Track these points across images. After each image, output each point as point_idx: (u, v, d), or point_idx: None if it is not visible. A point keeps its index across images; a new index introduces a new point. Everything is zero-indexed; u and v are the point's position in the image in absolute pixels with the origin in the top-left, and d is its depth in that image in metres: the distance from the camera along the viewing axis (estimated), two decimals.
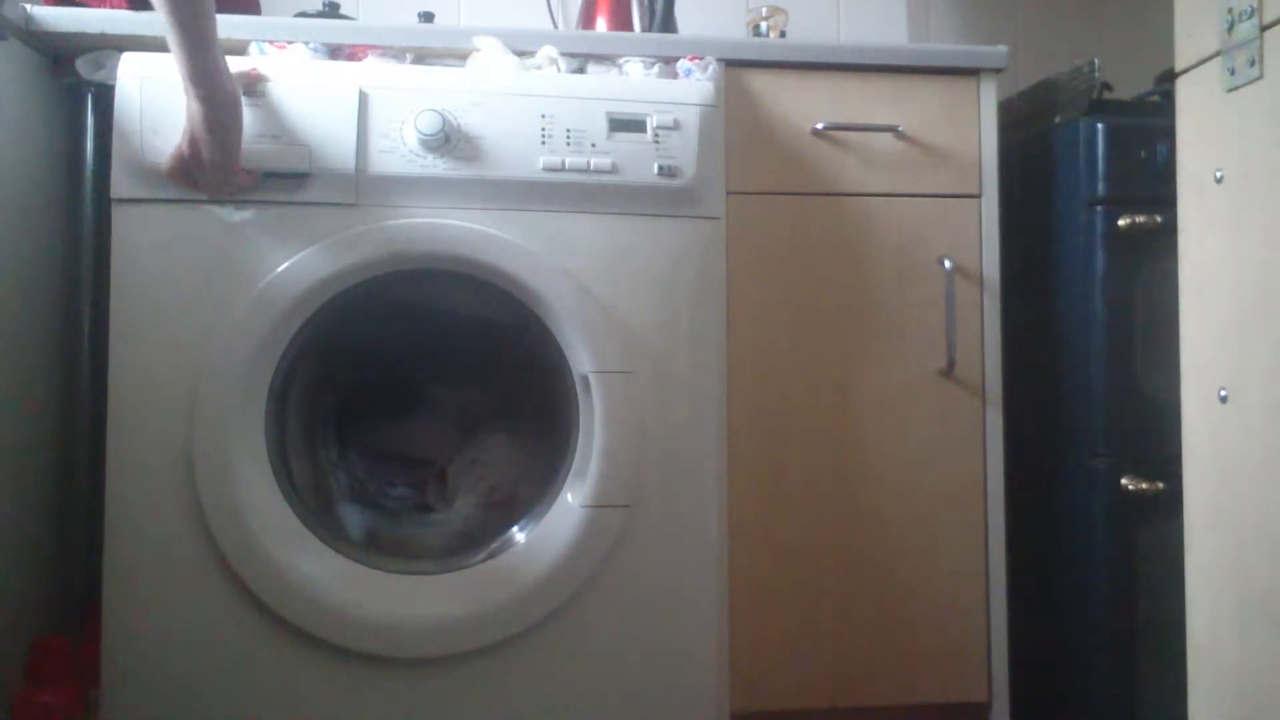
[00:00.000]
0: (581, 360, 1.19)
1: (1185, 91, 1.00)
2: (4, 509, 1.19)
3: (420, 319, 1.30)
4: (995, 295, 1.39)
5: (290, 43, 1.27)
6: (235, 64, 1.13)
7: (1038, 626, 1.44)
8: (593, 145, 1.21)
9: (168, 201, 1.15)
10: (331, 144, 1.16)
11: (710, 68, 1.33)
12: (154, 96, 1.14)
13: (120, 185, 1.14)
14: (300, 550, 1.16)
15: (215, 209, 1.15)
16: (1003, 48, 1.41)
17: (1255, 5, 0.89)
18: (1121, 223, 1.34)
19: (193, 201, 1.15)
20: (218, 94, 1.08)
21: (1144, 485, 1.31)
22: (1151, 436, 1.32)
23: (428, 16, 1.65)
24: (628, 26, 1.63)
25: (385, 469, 1.36)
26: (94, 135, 1.32)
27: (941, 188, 1.39)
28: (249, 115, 1.13)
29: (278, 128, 1.15)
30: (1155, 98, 1.48)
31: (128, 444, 1.14)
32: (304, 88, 1.17)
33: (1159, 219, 1.32)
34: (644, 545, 1.22)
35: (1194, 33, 0.98)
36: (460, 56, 1.32)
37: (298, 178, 1.16)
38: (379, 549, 1.25)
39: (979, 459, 1.38)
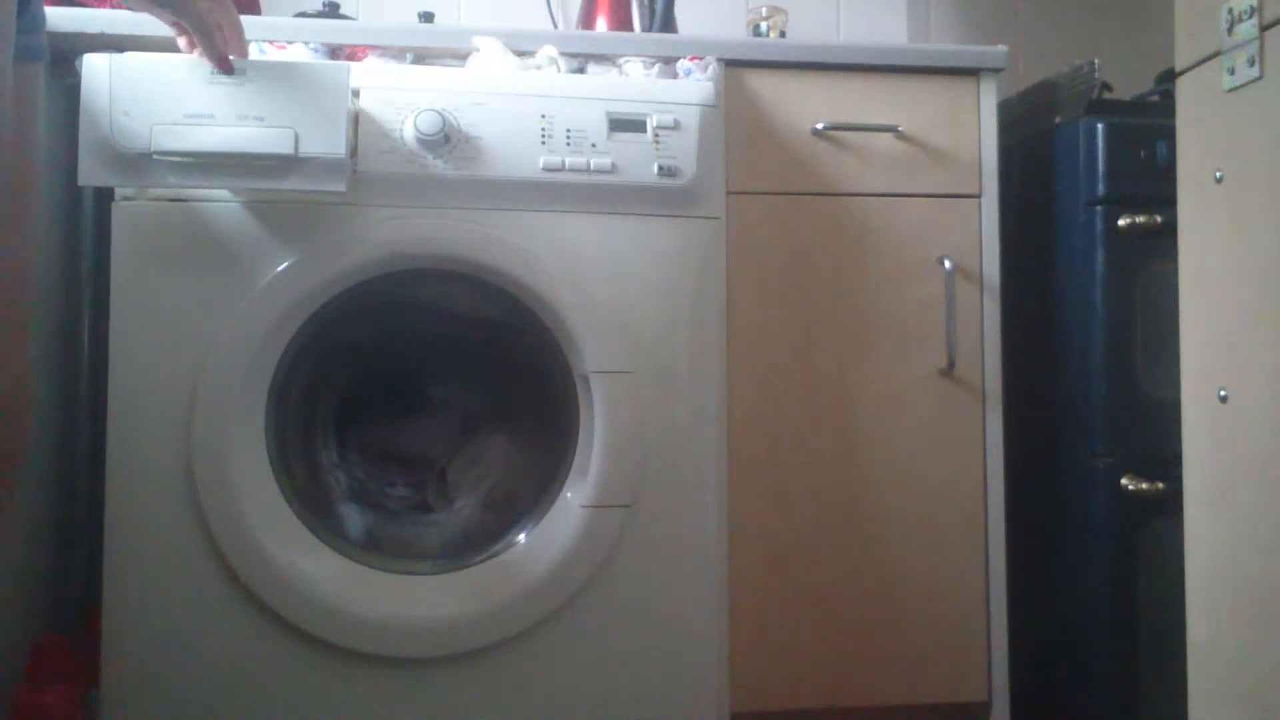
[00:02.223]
0: (582, 360, 1.19)
1: (1185, 91, 1.00)
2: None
3: (420, 319, 1.30)
4: (995, 295, 1.39)
5: (290, 43, 1.27)
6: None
7: (1038, 626, 1.44)
8: (593, 145, 1.21)
9: (168, 201, 1.15)
10: (318, 126, 1.10)
11: (710, 68, 1.33)
12: (124, 74, 1.09)
13: (89, 172, 1.08)
14: (300, 550, 1.16)
15: (214, 206, 1.15)
16: (1003, 48, 1.41)
17: (1255, 5, 0.89)
18: (1121, 223, 1.34)
19: (191, 200, 1.15)
20: None
21: (1144, 485, 1.31)
22: (1151, 436, 1.32)
23: (428, 16, 1.65)
24: (628, 26, 1.63)
25: (385, 469, 1.36)
26: None
27: (941, 188, 1.39)
28: (232, 96, 1.09)
29: (260, 108, 1.10)
30: (1155, 98, 1.48)
31: (128, 444, 1.14)
32: (289, 65, 1.13)
33: (1159, 219, 1.32)
34: (644, 545, 1.21)
35: (1194, 33, 0.98)
36: (460, 56, 1.32)
37: (282, 163, 1.10)
38: (379, 549, 1.25)
39: (979, 459, 1.38)
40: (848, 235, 1.37)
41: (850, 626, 1.34)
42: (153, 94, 1.08)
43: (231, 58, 1.10)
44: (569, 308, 1.19)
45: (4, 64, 0.80)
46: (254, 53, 1.26)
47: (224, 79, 1.09)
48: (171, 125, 1.08)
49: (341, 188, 1.12)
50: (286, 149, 1.10)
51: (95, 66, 1.09)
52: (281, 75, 1.11)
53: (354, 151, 1.16)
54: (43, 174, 0.96)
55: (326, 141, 1.11)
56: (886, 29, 1.95)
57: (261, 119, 1.09)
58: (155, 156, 1.09)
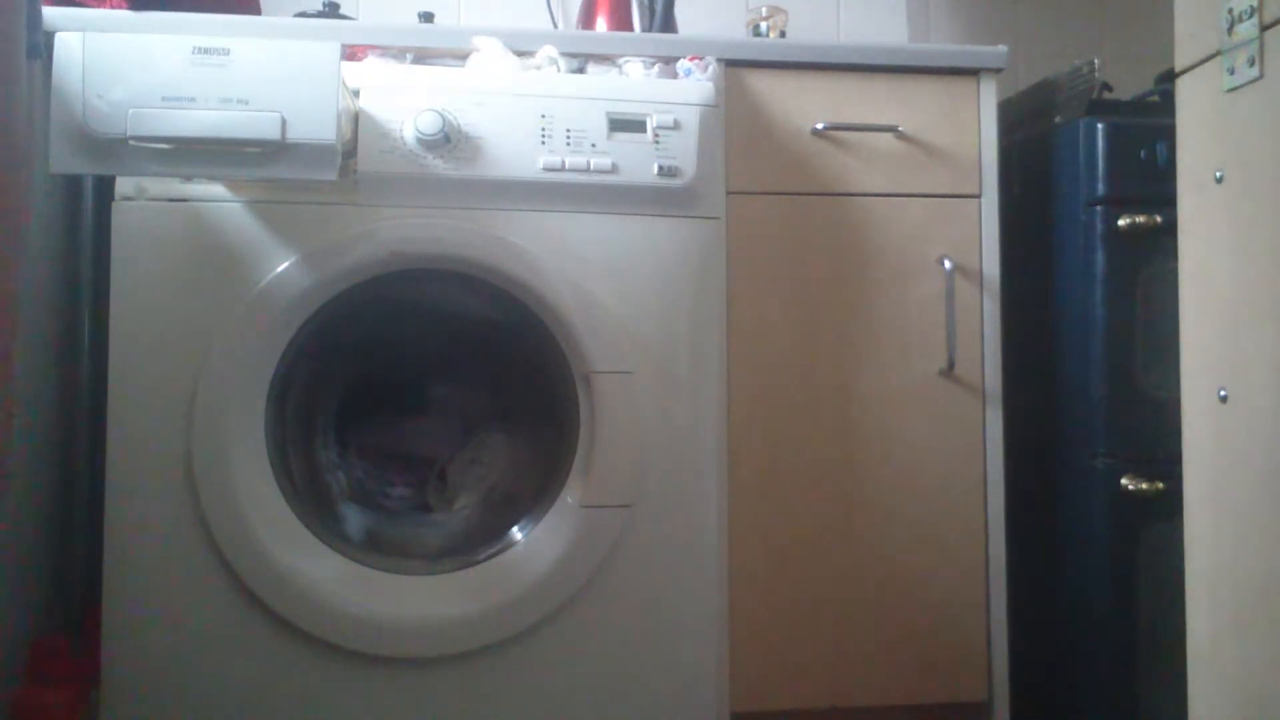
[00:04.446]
0: (582, 360, 1.19)
1: (1185, 91, 1.00)
2: (4, 510, 1.19)
3: (420, 319, 1.30)
4: (995, 295, 1.39)
5: None
6: None
7: (1038, 626, 1.44)
8: (593, 145, 1.21)
9: (168, 201, 1.15)
10: (307, 109, 1.05)
11: (710, 68, 1.33)
12: (99, 54, 1.03)
13: (60, 158, 1.03)
14: (300, 550, 1.16)
15: (214, 207, 1.15)
16: (1003, 48, 1.41)
17: (1255, 5, 0.89)
18: (1121, 223, 1.34)
19: (191, 200, 1.15)
20: None
21: (1144, 485, 1.31)
22: (1151, 436, 1.32)
23: (428, 16, 1.65)
24: (627, 26, 1.63)
25: (385, 469, 1.36)
26: None
27: (941, 188, 1.39)
28: (215, 78, 1.04)
29: (244, 90, 1.04)
30: (1155, 98, 1.48)
31: (128, 444, 1.14)
32: (275, 44, 1.07)
33: (1159, 219, 1.32)
34: (644, 545, 1.22)
35: (1194, 33, 0.98)
36: (460, 56, 1.32)
37: (269, 149, 1.05)
38: (379, 549, 1.25)
39: (979, 459, 1.38)
40: (848, 235, 1.37)
41: (850, 626, 1.34)
42: (129, 75, 1.02)
43: (214, 40, 1.04)
44: (569, 308, 1.19)
45: (18, 63, 0.78)
46: None
47: (206, 59, 1.04)
48: (149, 109, 1.03)
49: (332, 176, 1.08)
50: (273, 134, 1.04)
51: (68, 45, 1.02)
52: (267, 56, 1.05)
53: (354, 151, 1.16)
54: (36, 175, 0.93)
55: (316, 126, 1.05)
56: (886, 29, 1.94)
57: (246, 102, 1.04)
58: (132, 143, 1.03)
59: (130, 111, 1.03)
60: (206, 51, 1.04)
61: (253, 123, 1.04)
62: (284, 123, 1.05)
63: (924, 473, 1.36)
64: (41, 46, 0.92)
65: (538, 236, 1.20)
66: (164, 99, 1.03)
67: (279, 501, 1.16)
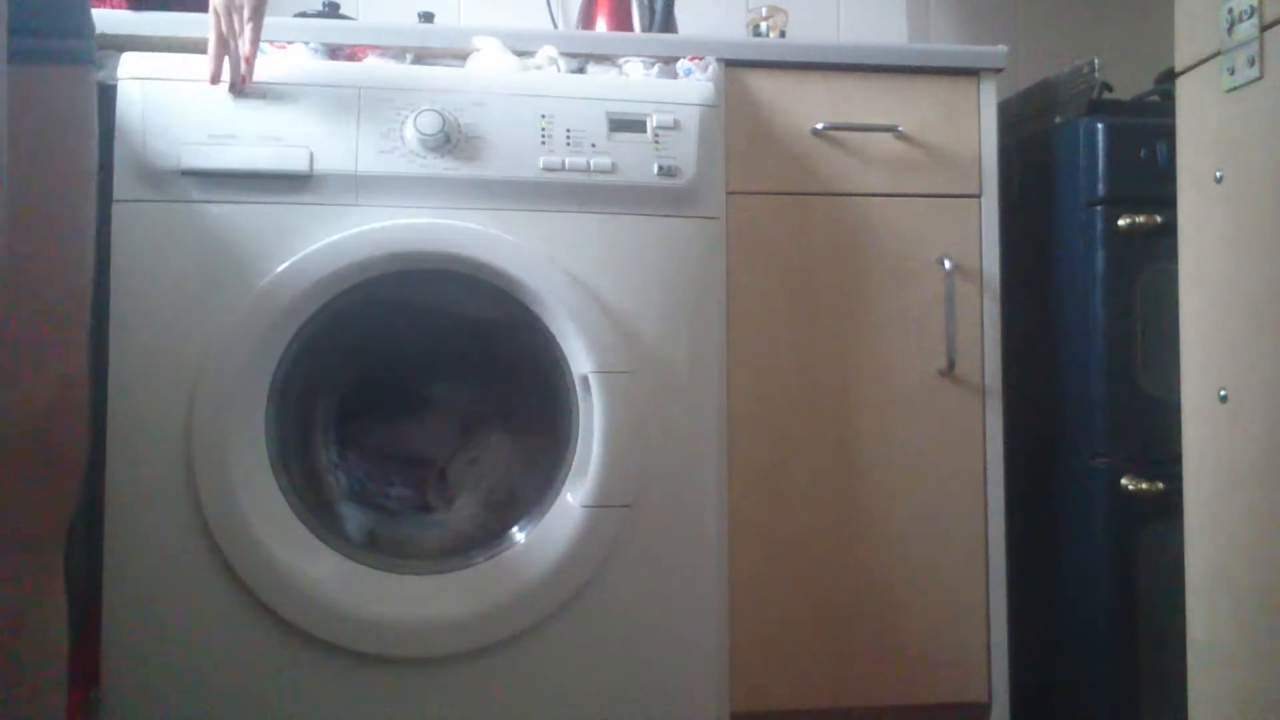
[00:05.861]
0: (581, 360, 1.19)
1: (1185, 91, 1.01)
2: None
3: (420, 319, 1.30)
4: (995, 295, 1.39)
5: (290, 43, 1.28)
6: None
7: (1038, 627, 1.44)
8: (593, 145, 1.21)
9: (168, 202, 1.15)
10: (331, 145, 1.16)
11: (710, 68, 1.33)
12: (156, 98, 1.15)
13: (124, 187, 1.15)
14: (300, 550, 1.16)
15: (214, 207, 1.15)
16: (1003, 48, 1.41)
17: (1255, 5, 0.89)
18: (1121, 223, 1.34)
19: (192, 201, 1.15)
20: None
21: (1144, 485, 1.31)
22: (1151, 436, 1.32)
23: (428, 16, 1.65)
24: (627, 26, 1.63)
25: (385, 469, 1.36)
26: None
27: (941, 188, 1.39)
28: (250, 116, 1.15)
29: (278, 128, 1.15)
30: (1155, 98, 1.48)
31: (128, 444, 1.14)
32: (304, 87, 1.18)
33: (1159, 219, 1.32)
34: (644, 545, 1.22)
35: (1194, 33, 0.98)
36: (460, 56, 1.32)
37: (298, 179, 1.16)
38: (379, 549, 1.25)
39: (979, 459, 1.38)
40: (848, 235, 1.37)
41: (850, 626, 1.34)
42: (182, 116, 1.15)
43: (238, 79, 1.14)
44: (569, 308, 1.19)
45: None
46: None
47: (246, 101, 1.16)
48: (198, 145, 1.15)
49: (351, 200, 1.16)
50: (302, 167, 1.15)
51: (129, 93, 1.15)
52: (296, 96, 1.17)
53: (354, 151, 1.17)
54: (94, 179, 0.98)
55: (339, 159, 1.16)
56: (886, 29, 1.95)
57: (279, 139, 1.16)
58: (184, 175, 1.15)
59: (183, 148, 1.15)
60: (245, 95, 1.16)
61: (285, 157, 1.16)
62: (312, 156, 1.16)
63: (924, 473, 1.36)
64: (87, 54, 0.94)
65: (538, 236, 1.20)
66: (210, 135, 1.16)
67: (279, 501, 1.16)
